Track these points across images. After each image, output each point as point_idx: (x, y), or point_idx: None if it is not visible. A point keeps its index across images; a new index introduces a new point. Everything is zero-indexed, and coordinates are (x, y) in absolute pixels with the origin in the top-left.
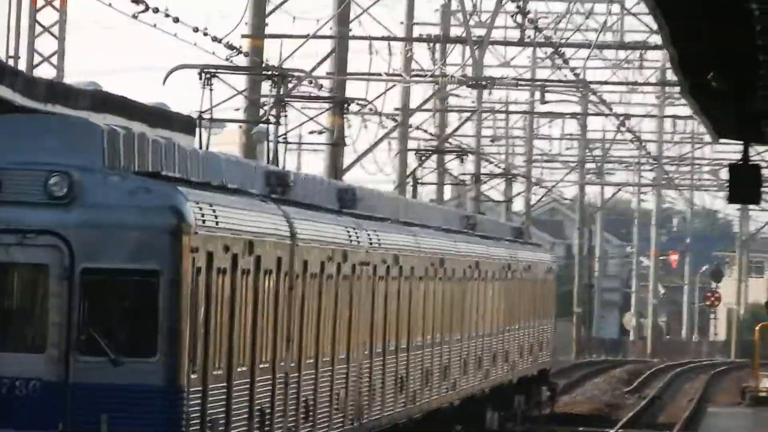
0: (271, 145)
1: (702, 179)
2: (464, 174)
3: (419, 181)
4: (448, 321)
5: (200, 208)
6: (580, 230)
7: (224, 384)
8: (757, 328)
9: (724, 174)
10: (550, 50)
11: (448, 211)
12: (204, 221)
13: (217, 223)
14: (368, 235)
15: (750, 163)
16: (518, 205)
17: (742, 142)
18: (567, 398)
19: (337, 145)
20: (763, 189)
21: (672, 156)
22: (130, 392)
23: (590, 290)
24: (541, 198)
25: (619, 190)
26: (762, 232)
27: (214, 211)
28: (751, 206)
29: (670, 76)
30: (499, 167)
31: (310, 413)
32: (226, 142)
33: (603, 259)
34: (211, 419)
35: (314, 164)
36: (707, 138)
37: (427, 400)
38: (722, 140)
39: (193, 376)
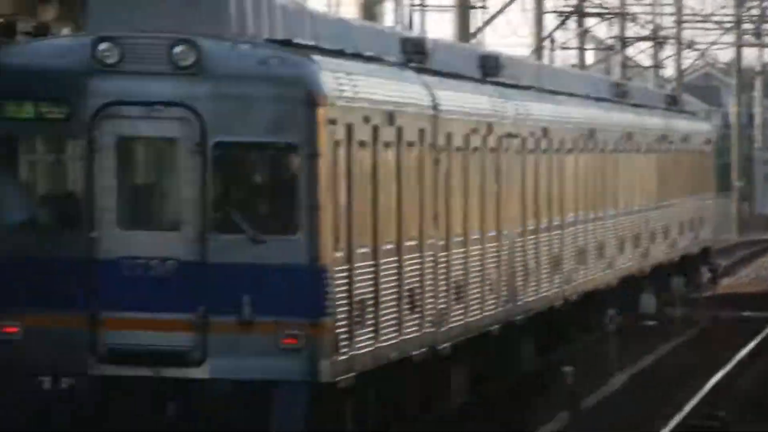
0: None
1: None
2: (609, 38)
3: (560, 45)
4: (601, 196)
5: (337, 78)
6: (738, 96)
7: (371, 263)
8: None
9: None
10: None
11: (596, 78)
12: (342, 91)
13: (355, 93)
14: (515, 105)
15: None
16: (668, 70)
17: None
18: (729, 280)
19: (468, 6)
20: None
21: None
22: (271, 272)
23: (751, 162)
24: (694, 62)
25: None
26: None
27: (351, 80)
28: None
29: None
30: (646, 29)
31: (462, 294)
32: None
33: (764, 128)
34: (359, 299)
35: (441, 27)
36: None
37: (582, 281)
38: None
39: (337, 254)
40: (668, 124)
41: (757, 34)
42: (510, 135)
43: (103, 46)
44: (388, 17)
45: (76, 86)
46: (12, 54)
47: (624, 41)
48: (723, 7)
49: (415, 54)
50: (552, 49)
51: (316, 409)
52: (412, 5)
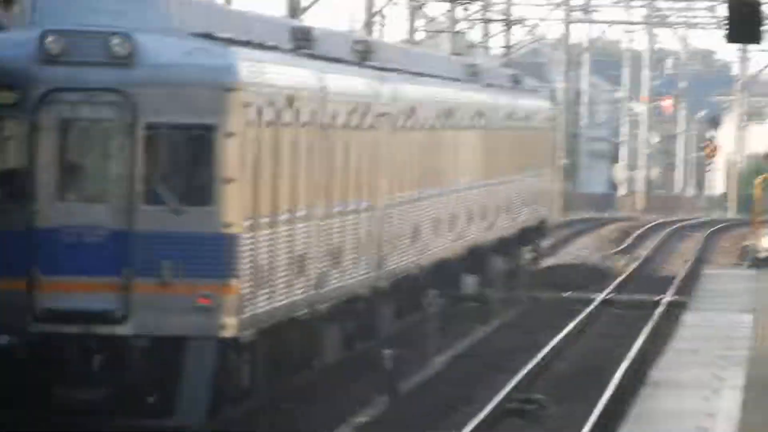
0: None
1: (698, 17)
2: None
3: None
4: (454, 171)
5: (249, 66)
6: (566, 73)
7: (270, 231)
8: (757, 180)
9: (722, 11)
10: None
11: (453, 59)
12: (253, 78)
13: (263, 79)
14: (387, 86)
15: None
16: (497, 47)
17: None
18: (552, 260)
19: None
20: (763, 27)
21: None
22: (190, 239)
23: (576, 140)
24: (523, 38)
25: (609, 28)
26: (763, 73)
27: (260, 68)
28: (751, 46)
29: None
30: (476, 5)
31: (338, 260)
32: None
33: (590, 105)
34: (260, 264)
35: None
36: None
37: (436, 250)
38: None
39: (245, 224)
40: (515, 101)
41: (585, 10)
42: (383, 114)
43: (48, 39)
44: None
45: (24, 75)
46: None
47: (454, 19)
48: None
49: (303, 41)
50: (382, 25)
51: (222, 361)
52: None
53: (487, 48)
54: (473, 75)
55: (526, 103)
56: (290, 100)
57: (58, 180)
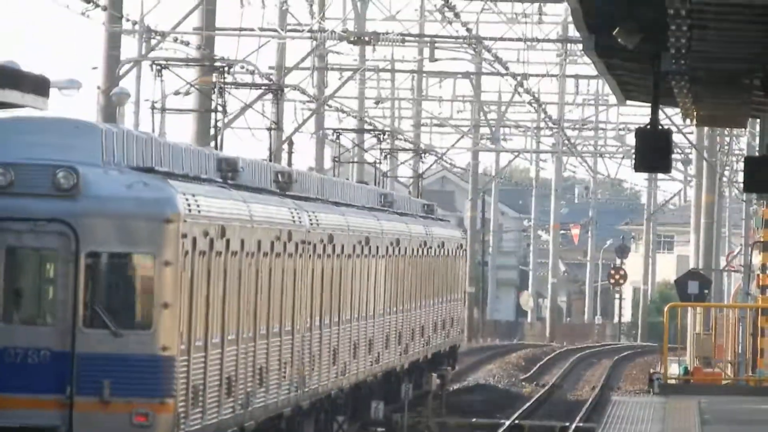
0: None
1: (606, 145)
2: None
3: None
4: (372, 297)
5: (186, 199)
6: (473, 201)
7: (203, 354)
8: (666, 308)
9: (631, 139)
10: (440, 2)
11: (367, 189)
12: (190, 210)
13: (199, 211)
14: (308, 215)
15: (659, 127)
16: (405, 175)
17: (650, 104)
18: (458, 386)
19: (214, 111)
20: (672, 156)
21: (574, 120)
22: (129, 360)
23: (484, 268)
24: (430, 166)
25: (516, 156)
26: (671, 203)
27: (196, 201)
28: (659, 175)
29: (572, 32)
30: (384, 132)
31: (263, 380)
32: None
33: (498, 234)
34: (193, 384)
35: (180, 128)
36: (612, 100)
37: (354, 373)
38: (629, 102)
39: (181, 346)
40: (428, 230)
41: (494, 139)
42: (304, 242)
43: None
44: (128, 118)
45: None
46: None
47: (361, 147)
48: (460, 111)
49: (228, 171)
50: (290, 153)
51: None
52: (153, 107)
53: (395, 177)
54: (388, 204)
55: (439, 231)
56: (222, 231)
57: (5, 304)
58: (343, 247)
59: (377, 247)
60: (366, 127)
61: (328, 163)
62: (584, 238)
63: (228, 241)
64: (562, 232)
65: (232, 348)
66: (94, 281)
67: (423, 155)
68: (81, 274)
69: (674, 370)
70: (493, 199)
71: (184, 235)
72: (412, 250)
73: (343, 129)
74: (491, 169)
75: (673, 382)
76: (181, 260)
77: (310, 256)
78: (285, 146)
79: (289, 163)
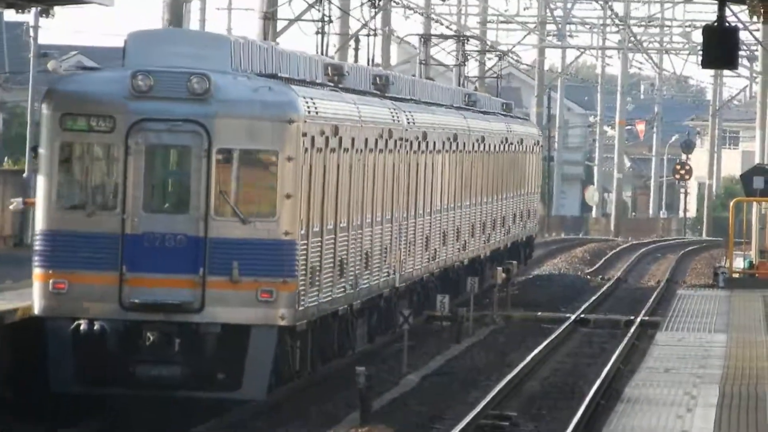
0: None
1: (672, 42)
2: (410, 35)
3: (362, 41)
4: (460, 190)
5: (305, 102)
6: (539, 98)
7: (319, 239)
8: (731, 203)
9: (697, 36)
10: None
11: (453, 89)
12: (308, 112)
13: (317, 112)
14: (405, 115)
15: (726, 24)
16: (472, 70)
17: (716, 0)
18: (523, 278)
19: (267, 17)
20: (738, 53)
21: (640, 17)
22: (255, 244)
23: (550, 163)
24: (497, 62)
25: (582, 53)
26: (737, 99)
27: (314, 103)
28: (725, 72)
29: None
30: (450, 29)
31: (368, 264)
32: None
33: (564, 130)
34: (311, 266)
35: (246, 27)
36: None
37: (444, 258)
38: None
39: (301, 232)
40: (509, 127)
41: (560, 35)
42: (402, 138)
43: (138, 77)
44: (194, 16)
45: (118, 107)
46: (71, 82)
47: (427, 39)
48: (526, 8)
49: (335, 75)
50: (356, 48)
51: (280, 346)
52: (218, 7)
53: (462, 70)
54: (472, 103)
55: (517, 128)
56: (335, 130)
57: (145, 194)
58: (434, 143)
59: (464, 143)
60: (432, 24)
61: (393, 61)
62: (650, 134)
63: (341, 139)
64: (628, 127)
65: (343, 234)
66: (225, 175)
67: (502, 57)
68: (213, 168)
69: (739, 264)
70: (559, 95)
71: (304, 134)
72: (495, 146)
73: (430, 35)
74: (557, 66)
75: (737, 276)
76: (301, 156)
77: (407, 152)
78: (351, 43)
79: (356, 60)
